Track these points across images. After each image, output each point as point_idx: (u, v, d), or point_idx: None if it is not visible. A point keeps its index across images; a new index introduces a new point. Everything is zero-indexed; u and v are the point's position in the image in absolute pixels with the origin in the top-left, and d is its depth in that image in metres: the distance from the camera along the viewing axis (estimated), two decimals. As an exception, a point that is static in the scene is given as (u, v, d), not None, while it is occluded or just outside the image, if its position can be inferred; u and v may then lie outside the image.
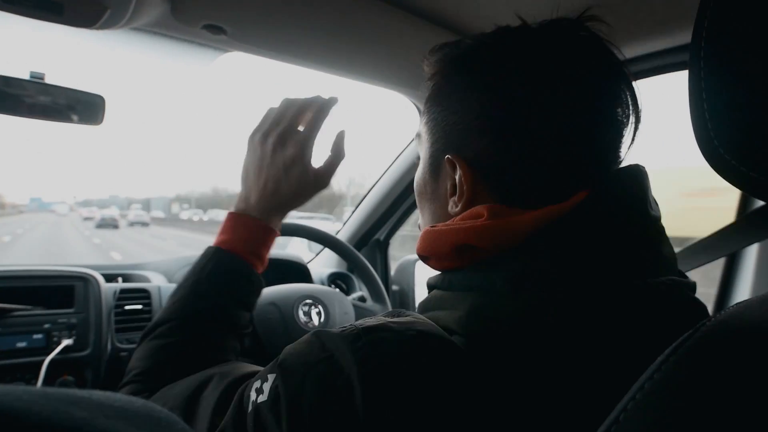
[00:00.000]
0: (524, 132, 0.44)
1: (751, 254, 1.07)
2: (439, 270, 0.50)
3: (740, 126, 0.33)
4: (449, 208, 0.49)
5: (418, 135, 0.56)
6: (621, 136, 0.46)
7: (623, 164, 0.47)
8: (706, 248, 0.80)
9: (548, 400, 0.36)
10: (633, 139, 0.47)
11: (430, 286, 0.50)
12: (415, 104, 1.31)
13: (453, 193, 0.49)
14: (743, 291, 1.07)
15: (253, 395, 0.43)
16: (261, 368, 0.54)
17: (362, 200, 1.54)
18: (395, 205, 1.50)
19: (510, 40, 0.47)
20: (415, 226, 1.11)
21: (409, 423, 0.35)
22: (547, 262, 0.41)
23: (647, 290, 0.40)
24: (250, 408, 0.42)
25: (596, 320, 0.38)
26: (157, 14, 0.76)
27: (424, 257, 0.51)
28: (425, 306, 0.48)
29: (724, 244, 0.75)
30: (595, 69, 0.45)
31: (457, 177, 0.48)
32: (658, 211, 0.46)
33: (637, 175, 0.45)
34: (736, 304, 0.34)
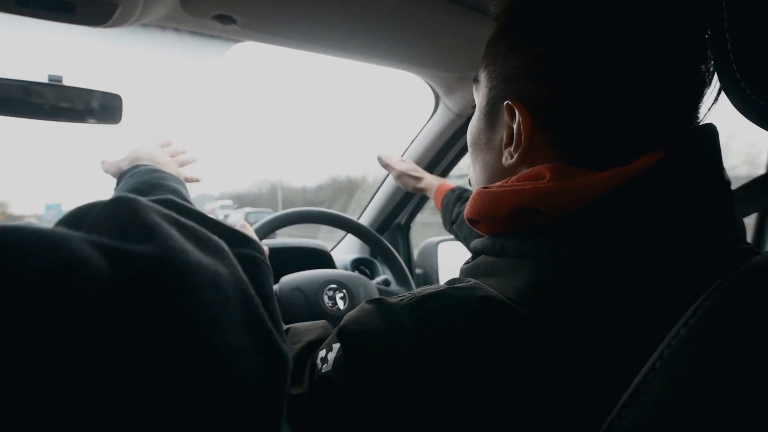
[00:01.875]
0: (596, 81, 0.40)
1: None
2: (487, 234, 0.48)
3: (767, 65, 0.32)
4: (504, 159, 0.46)
5: (476, 80, 0.52)
6: (702, 95, 0.42)
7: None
8: (737, 204, 0.78)
9: (616, 374, 0.34)
10: (716, 99, 0.42)
11: (477, 251, 0.48)
12: (430, 85, 1.29)
13: (509, 144, 0.45)
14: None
15: (318, 364, 0.43)
16: (318, 327, 0.54)
17: (381, 184, 1.53)
18: (414, 188, 1.49)
19: None
20: (432, 213, 1.12)
21: (471, 391, 0.35)
22: (619, 229, 0.37)
23: (731, 259, 0.37)
24: (316, 377, 0.42)
25: (676, 291, 0.35)
26: (167, 8, 0.77)
27: (474, 221, 0.48)
28: (471, 271, 0.46)
29: (756, 199, 0.72)
30: (687, 17, 0.40)
31: (515, 125, 0.44)
32: (728, 175, 0.42)
33: (712, 137, 0.41)
34: None
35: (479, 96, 0.51)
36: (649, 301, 0.36)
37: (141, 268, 0.25)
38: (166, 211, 0.32)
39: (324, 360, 0.42)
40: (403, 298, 0.40)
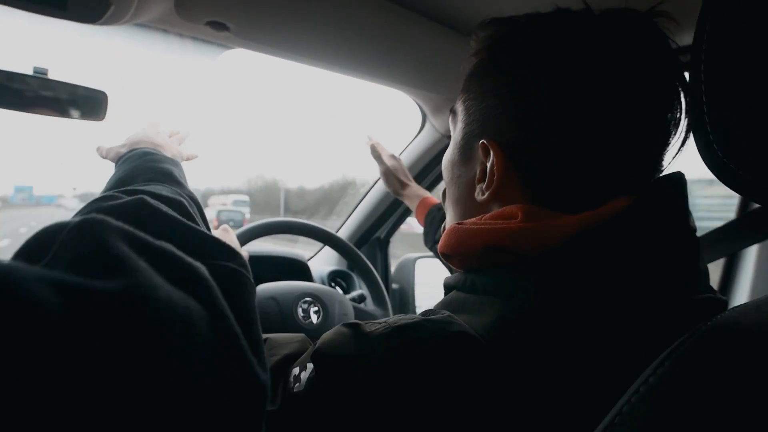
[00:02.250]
0: (568, 126, 0.41)
1: (751, 256, 1.07)
2: (459, 269, 0.48)
3: (741, 132, 0.33)
4: (476, 194, 0.47)
5: (453, 112, 0.53)
6: (668, 143, 0.44)
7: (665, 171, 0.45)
8: (705, 248, 0.80)
9: (581, 415, 0.35)
10: (681, 147, 0.44)
11: (449, 287, 0.48)
12: (418, 103, 1.31)
13: (481, 180, 0.46)
14: (742, 293, 1.07)
15: (291, 382, 0.43)
16: (295, 341, 0.53)
17: (363, 198, 1.54)
18: (396, 203, 1.50)
19: (568, 23, 0.44)
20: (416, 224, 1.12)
21: (435, 423, 0.35)
22: (586, 272, 0.39)
23: (689, 307, 0.38)
24: (287, 395, 0.42)
25: (637, 336, 0.37)
26: (161, 10, 0.76)
27: (447, 255, 0.48)
28: (443, 307, 0.46)
29: (723, 245, 0.75)
30: (655, 68, 0.42)
31: (489, 164, 0.45)
32: (694, 222, 0.43)
33: (680, 185, 0.43)
34: (732, 308, 0.35)
35: (455, 129, 0.52)
36: (607, 346, 0.37)
37: (101, 309, 0.23)
38: (138, 234, 0.30)
39: (297, 379, 0.42)
40: (378, 326, 0.41)
